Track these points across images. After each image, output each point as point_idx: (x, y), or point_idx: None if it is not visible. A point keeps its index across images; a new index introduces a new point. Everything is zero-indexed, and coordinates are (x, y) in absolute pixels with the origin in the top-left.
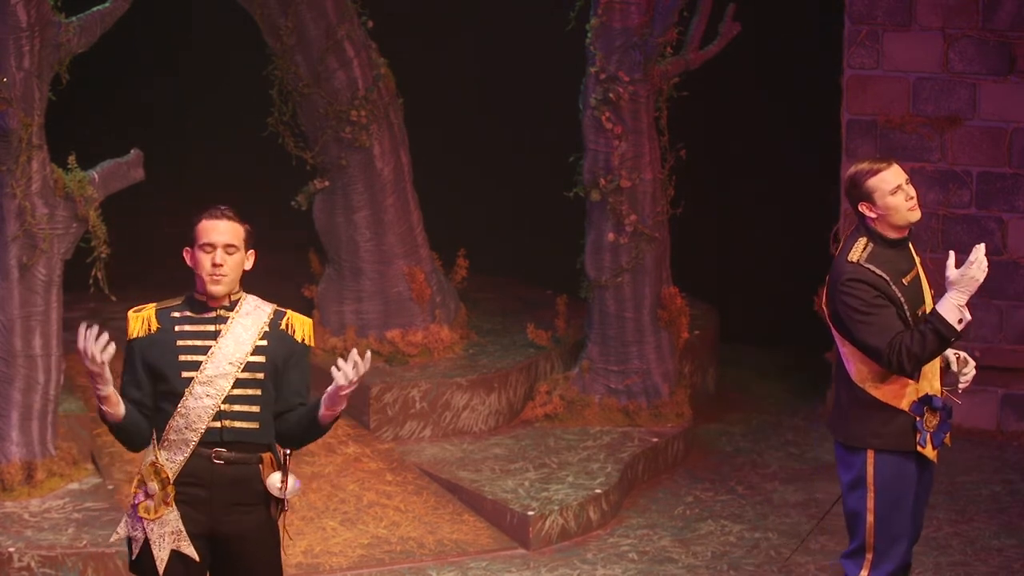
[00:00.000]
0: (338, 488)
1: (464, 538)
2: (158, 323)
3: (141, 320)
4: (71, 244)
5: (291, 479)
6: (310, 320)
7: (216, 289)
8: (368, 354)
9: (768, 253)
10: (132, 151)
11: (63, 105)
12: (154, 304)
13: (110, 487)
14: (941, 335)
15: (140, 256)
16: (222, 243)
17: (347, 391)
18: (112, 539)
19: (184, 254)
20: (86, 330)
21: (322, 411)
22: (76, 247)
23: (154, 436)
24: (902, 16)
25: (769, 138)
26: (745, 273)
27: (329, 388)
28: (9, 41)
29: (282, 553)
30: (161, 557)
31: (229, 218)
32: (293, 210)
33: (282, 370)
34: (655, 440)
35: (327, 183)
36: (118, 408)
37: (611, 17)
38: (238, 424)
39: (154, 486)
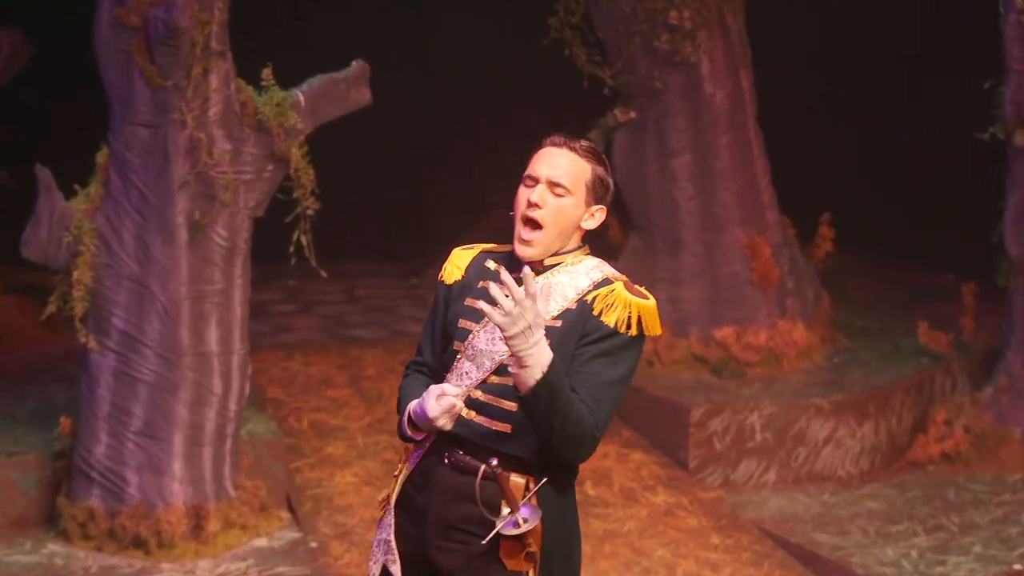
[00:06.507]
0: (640, 553)
1: None
2: (465, 273)
3: (453, 263)
4: (264, 195)
5: (524, 511)
6: (647, 303)
7: (523, 247)
8: (527, 272)
9: None
10: (354, 63)
11: (257, 3)
12: (484, 246)
13: (313, 545)
14: None
15: (356, 214)
16: (549, 178)
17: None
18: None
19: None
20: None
21: None
22: (271, 200)
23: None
24: None
25: None
26: None
27: None
28: None
29: None
30: (373, 572)
31: (573, 150)
32: None
33: (573, 359)
34: None
35: (633, 114)
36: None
37: None
38: (481, 420)
39: (396, 471)
